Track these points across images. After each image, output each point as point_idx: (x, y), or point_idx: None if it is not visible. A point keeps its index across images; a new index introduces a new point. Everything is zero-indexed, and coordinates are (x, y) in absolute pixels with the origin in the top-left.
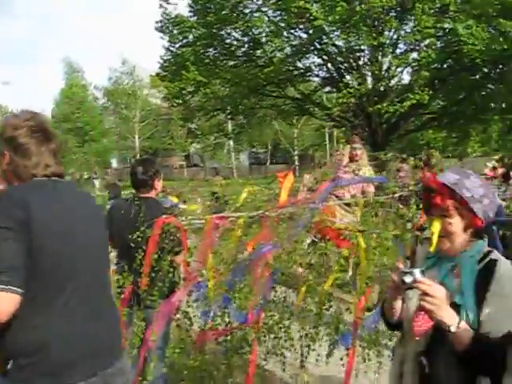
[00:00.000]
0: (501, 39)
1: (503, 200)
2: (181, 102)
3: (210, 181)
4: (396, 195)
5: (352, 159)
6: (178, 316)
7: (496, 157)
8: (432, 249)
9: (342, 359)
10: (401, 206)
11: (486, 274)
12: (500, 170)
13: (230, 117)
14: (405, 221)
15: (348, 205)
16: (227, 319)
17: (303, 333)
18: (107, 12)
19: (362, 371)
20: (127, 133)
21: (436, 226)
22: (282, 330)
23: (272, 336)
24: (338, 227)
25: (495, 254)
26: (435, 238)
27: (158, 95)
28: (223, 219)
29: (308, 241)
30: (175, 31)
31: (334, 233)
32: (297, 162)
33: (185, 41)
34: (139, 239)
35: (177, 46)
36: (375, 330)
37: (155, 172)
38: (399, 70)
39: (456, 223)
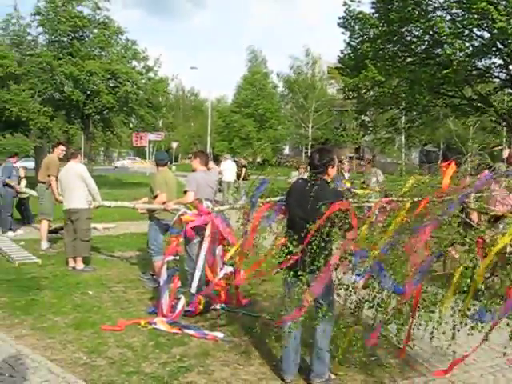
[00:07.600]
0: None
1: None
2: (356, 95)
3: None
4: None
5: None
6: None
7: None
8: None
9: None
10: None
11: None
12: None
13: (404, 112)
14: None
15: None
16: (377, 285)
17: (456, 308)
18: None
19: None
20: (301, 121)
21: None
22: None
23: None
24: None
25: None
26: None
27: (333, 87)
28: (392, 202)
29: None
30: (357, 27)
31: None
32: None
33: (365, 36)
34: (312, 214)
35: (357, 41)
36: None
37: (329, 160)
38: None
39: None
